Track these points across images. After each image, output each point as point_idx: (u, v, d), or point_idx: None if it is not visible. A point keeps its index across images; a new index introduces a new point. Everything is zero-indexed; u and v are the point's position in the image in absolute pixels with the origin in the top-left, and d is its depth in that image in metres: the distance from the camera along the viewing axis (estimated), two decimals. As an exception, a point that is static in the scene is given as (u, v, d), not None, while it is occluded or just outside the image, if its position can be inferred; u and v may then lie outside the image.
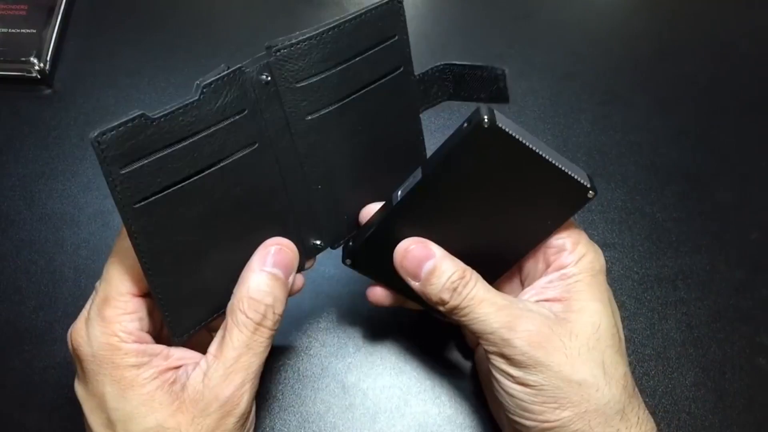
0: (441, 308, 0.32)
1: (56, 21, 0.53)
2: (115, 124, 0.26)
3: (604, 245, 0.47)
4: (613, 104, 0.53)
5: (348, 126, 0.32)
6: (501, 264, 0.35)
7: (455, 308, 0.32)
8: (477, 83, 0.36)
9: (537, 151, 0.29)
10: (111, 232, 0.47)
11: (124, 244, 0.29)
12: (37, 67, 0.51)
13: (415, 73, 0.34)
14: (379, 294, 0.37)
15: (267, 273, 0.30)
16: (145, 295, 0.31)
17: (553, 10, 0.58)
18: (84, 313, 0.31)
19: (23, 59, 0.51)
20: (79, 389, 0.31)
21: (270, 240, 0.31)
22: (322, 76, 0.30)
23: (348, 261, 0.35)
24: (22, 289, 0.45)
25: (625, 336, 0.44)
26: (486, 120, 0.28)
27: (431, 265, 0.32)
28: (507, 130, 0.28)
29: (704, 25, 0.57)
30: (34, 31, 0.52)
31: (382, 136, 0.34)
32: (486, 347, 0.31)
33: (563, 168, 0.30)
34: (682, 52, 0.55)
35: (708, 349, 0.43)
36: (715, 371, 0.42)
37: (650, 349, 0.43)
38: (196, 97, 0.26)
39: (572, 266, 0.33)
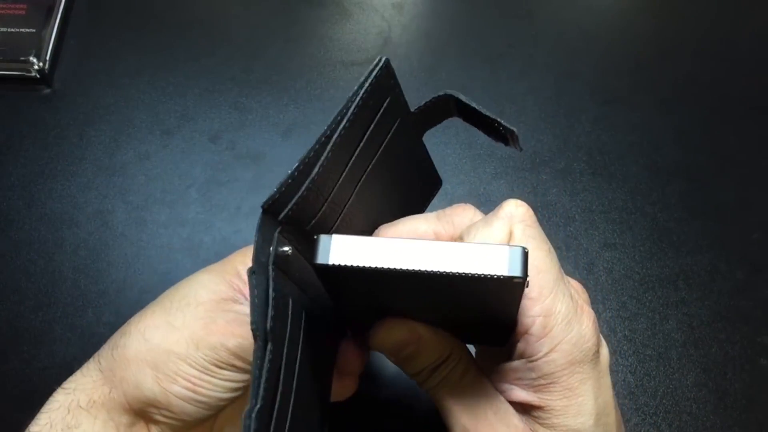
0: (418, 383, 0.29)
1: (56, 20, 0.53)
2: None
3: (605, 245, 0.47)
4: (614, 104, 0.53)
5: (366, 195, 0.29)
6: (494, 338, 0.28)
7: (425, 388, 0.28)
8: (485, 126, 0.32)
9: (409, 269, 0.21)
10: (110, 232, 0.46)
11: None
12: (36, 67, 0.51)
13: (414, 107, 0.31)
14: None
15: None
16: None
17: (553, 10, 0.57)
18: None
19: (23, 59, 0.51)
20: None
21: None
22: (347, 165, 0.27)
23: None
24: (21, 289, 0.45)
25: (626, 336, 0.44)
26: (319, 262, 0.21)
27: (408, 352, 0.27)
28: (346, 264, 0.21)
29: (705, 24, 0.57)
30: (34, 30, 0.52)
31: (394, 178, 0.31)
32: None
33: (455, 270, 0.21)
34: (684, 52, 0.55)
35: (709, 350, 0.43)
36: (717, 371, 0.42)
37: (651, 349, 0.43)
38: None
39: (542, 358, 0.26)
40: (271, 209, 0.23)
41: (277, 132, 0.50)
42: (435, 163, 0.50)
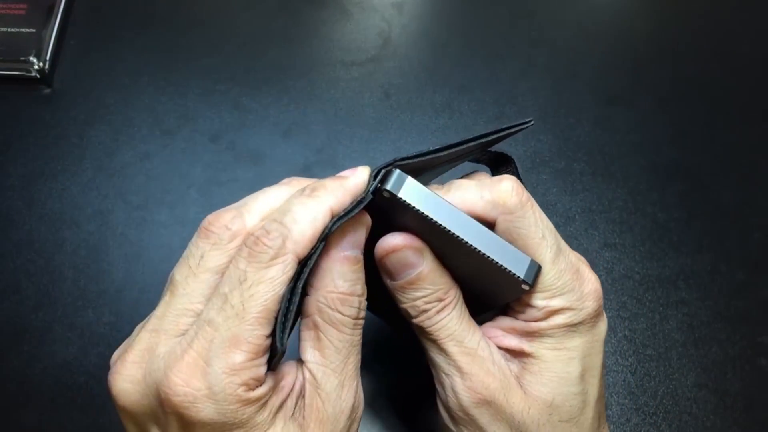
0: (407, 316, 0.29)
1: (56, 20, 0.53)
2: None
3: (605, 245, 0.47)
4: (614, 104, 0.53)
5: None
6: (478, 304, 0.31)
7: (419, 328, 0.29)
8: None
9: (450, 230, 0.26)
10: (110, 232, 0.47)
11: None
12: (36, 67, 0.51)
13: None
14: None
15: (349, 258, 0.26)
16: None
17: (553, 10, 0.57)
18: (191, 355, 0.23)
19: (23, 59, 0.51)
20: None
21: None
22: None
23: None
24: (21, 289, 0.45)
25: (626, 336, 0.44)
26: (388, 189, 0.25)
27: (414, 274, 0.28)
28: (411, 203, 0.25)
29: (705, 25, 0.57)
30: (34, 30, 0.52)
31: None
32: (436, 379, 0.29)
33: (486, 254, 0.26)
34: (684, 52, 0.55)
35: (709, 350, 0.43)
36: (717, 372, 0.42)
37: (651, 349, 0.43)
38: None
39: (540, 321, 0.28)
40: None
41: (277, 132, 0.50)
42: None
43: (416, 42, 0.55)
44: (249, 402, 0.23)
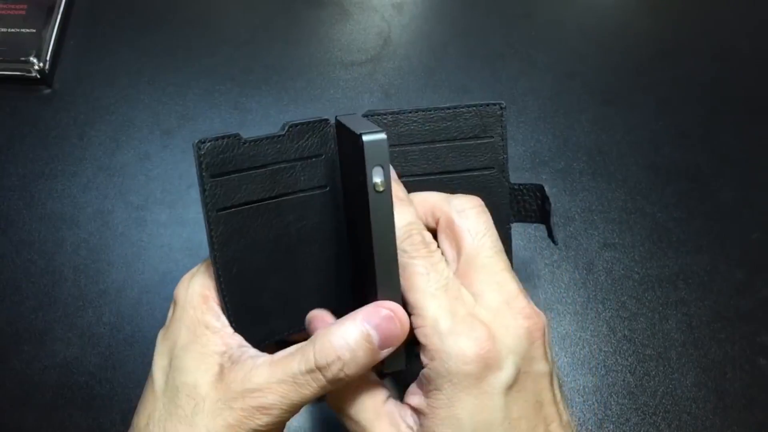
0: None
1: (56, 21, 0.53)
2: (213, 136, 0.29)
3: (604, 245, 0.47)
4: (614, 104, 0.53)
5: None
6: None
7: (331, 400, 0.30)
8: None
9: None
10: (110, 232, 0.47)
11: None
12: (36, 67, 0.51)
13: (511, 182, 0.34)
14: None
15: (363, 330, 0.27)
16: None
17: (553, 10, 0.57)
18: (193, 270, 0.32)
19: (23, 59, 0.51)
20: (159, 335, 0.31)
21: (388, 303, 0.28)
22: (403, 148, 0.32)
23: None
24: (21, 289, 0.45)
25: (626, 336, 0.44)
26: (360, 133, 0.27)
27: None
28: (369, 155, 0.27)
29: (705, 25, 0.57)
30: (34, 30, 0.52)
31: None
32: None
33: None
34: (683, 52, 0.55)
35: (709, 350, 0.43)
36: (716, 371, 0.42)
37: (651, 349, 0.43)
38: (283, 133, 0.30)
39: (426, 365, 0.27)
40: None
41: (277, 132, 0.51)
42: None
43: (416, 42, 0.55)
44: (208, 300, 0.31)
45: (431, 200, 0.31)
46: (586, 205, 0.48)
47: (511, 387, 0.27)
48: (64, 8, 0.54)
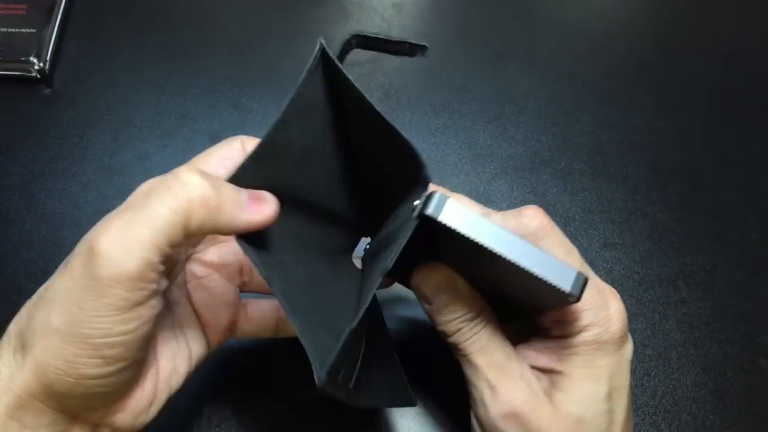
0: (443, 335, 0.31)
1: (56, 20, 0.53)
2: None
3: (604, 245, 0.47)
4: (614, 104, 0.53)
5: None
6: (517, 313, 0.32)
7: (453, 345, 0.30)
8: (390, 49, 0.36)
9: (494, 250, 0.26)
10: (111, 232, 0.46)
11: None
12: (36, 67, 0.51)
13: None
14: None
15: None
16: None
17: (553, 10, 0.57)
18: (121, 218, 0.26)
19: (23, 59, 0.51)
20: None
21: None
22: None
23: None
24: (21, 289, 0.44)
25: (626, 336, 0.44)
26: (430, 213, 0.26)
27: (446, 299, 0.30)
28: (451, 225, 0.26)
29: (705, 25, 0.57)
30: (34, 30, 0.52)
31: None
32: (469, 394, 0.31)
33: (532, 270, 0.26)
34: (684, 52, 0.55)
35: (709, 350, 0.43)
36: (716, 371, 0.42)
37: (651, 349, 0.43)
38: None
39: (570, 337, 0.29)
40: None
41: (277, 132, 0.50)
42: (435, 163, 0.50)
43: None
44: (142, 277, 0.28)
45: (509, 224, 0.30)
46: (586, 205, 0.48)
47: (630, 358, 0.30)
48: (64, 8, 0.54)
